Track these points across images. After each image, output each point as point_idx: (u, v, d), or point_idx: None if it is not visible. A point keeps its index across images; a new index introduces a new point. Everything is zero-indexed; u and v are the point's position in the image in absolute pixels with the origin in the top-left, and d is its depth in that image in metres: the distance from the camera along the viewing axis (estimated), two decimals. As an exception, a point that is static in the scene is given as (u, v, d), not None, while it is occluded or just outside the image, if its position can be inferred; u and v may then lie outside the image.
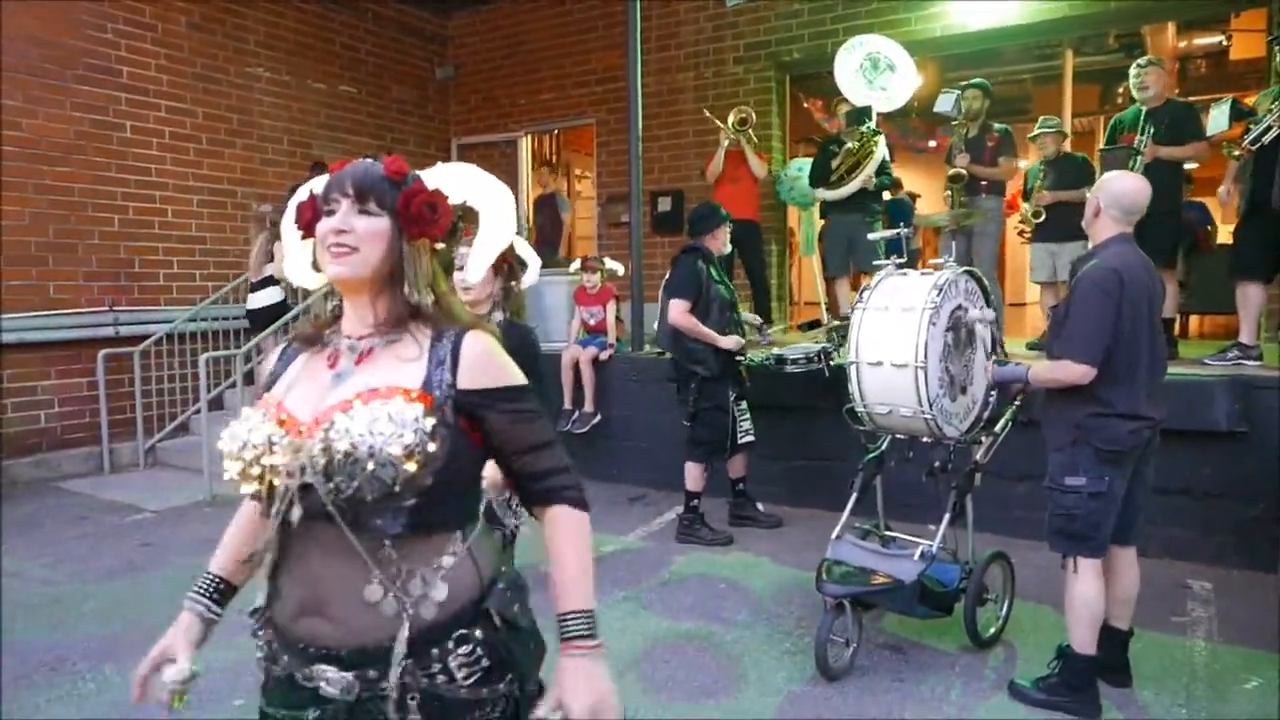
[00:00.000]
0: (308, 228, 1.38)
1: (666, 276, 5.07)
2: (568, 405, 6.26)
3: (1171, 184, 5.25)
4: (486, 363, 1.35)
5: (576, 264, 6.47)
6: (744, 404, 5.09)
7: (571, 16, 9.06)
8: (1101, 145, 6.14)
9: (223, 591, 1.50)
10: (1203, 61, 9.84)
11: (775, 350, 5.16)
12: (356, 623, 1.27)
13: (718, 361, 4.89)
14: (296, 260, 1.49)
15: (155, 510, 5.75)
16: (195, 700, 3.03)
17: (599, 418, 6.18)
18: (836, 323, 6.58)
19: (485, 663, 1.31)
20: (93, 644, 3.63)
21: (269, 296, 6.53)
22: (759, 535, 5.06)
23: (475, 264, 1.51)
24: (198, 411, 6.78)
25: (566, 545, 1.39)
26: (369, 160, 1.39)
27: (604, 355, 6.23)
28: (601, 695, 1.31)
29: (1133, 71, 5.52)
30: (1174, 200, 5.33)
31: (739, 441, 5.03)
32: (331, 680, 1.27)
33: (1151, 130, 5.27)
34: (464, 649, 1.29)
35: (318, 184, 1.41)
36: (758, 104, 7.95)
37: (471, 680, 1.30)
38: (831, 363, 4.93)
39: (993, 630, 3.57)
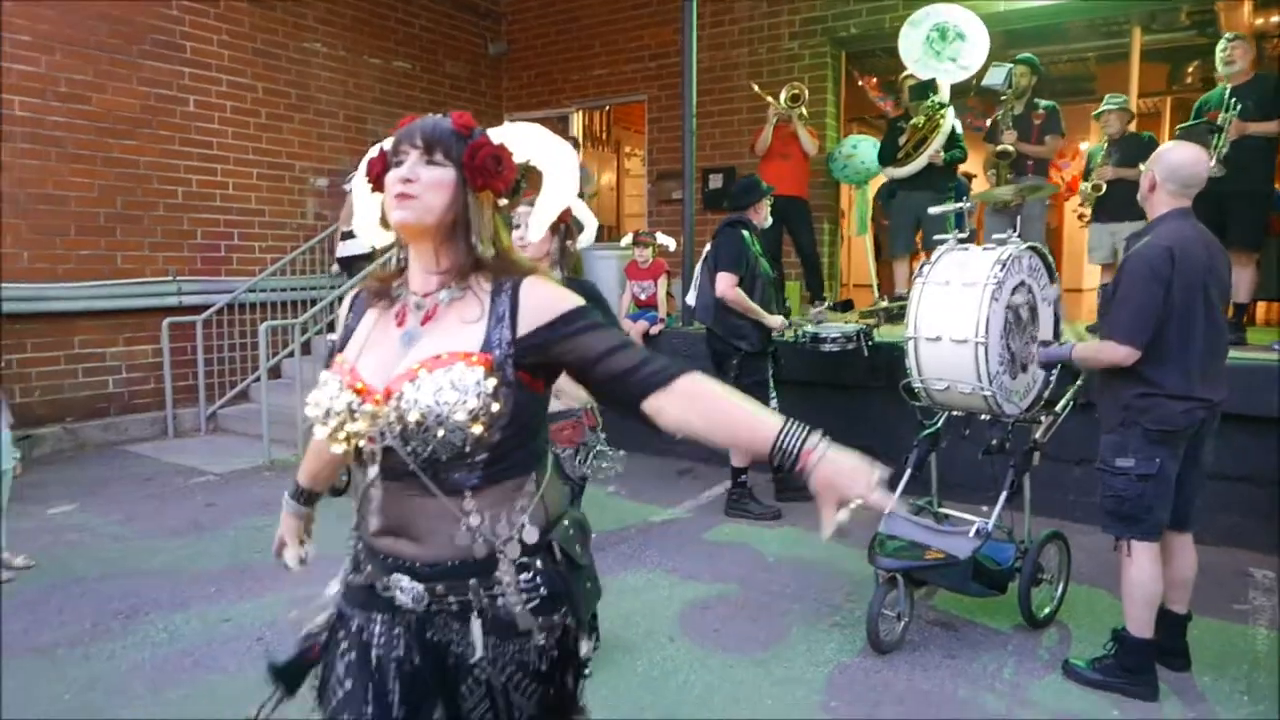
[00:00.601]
0: (377, 180, 1.43)
1: (707, 249, 5.04)
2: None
3: (1261, 163, 5.08)
4: (543, 299, 1.39)
5: (628, 239, 6.49)
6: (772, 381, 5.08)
7: (625, -8, 9.02)
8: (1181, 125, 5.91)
9: (308, 496, 1.74)
10: (1279, 40, 9.46)
11: (810, 329, 5.12)
12: (437, 548, 1.38)
13: (760, 337, 4.88)
14: (366, 216, 1.54)
15: (218, 473, 5.93)
16: (264, 650, 3.14)
17: (648, 392, 6.20)
18: (886, 304, 6.51)
19: (543, 591, 1.39)
20: (163, 595, 3.77)
21: (358, 246, 6.70)
22: (807, 510, 5.03)
23: (537, 222, 1.54)
24: (257, 379, 6.95)
25: (716, 398, 1.32)
26: (437, 115, 1.43)
27: (654, 329, 6.25)
28: (858, 465, 1.26)
29: (1220, 46, 5.34)
30: (1264, 180, 5.16)
31: None
32: (405, 589, 1.39)
33: (1239, 107, 5.09)
34: (524, 576, 1.38)
35: (388, 142, 1.45)
36: (812, 81, 7.86)
37: (529, 605, 1.38)
38: (870, 343, 4.88)
39: (1047, 610, 3.54)
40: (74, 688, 3.00)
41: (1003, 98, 6.07)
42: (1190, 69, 9.11)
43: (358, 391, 1.36)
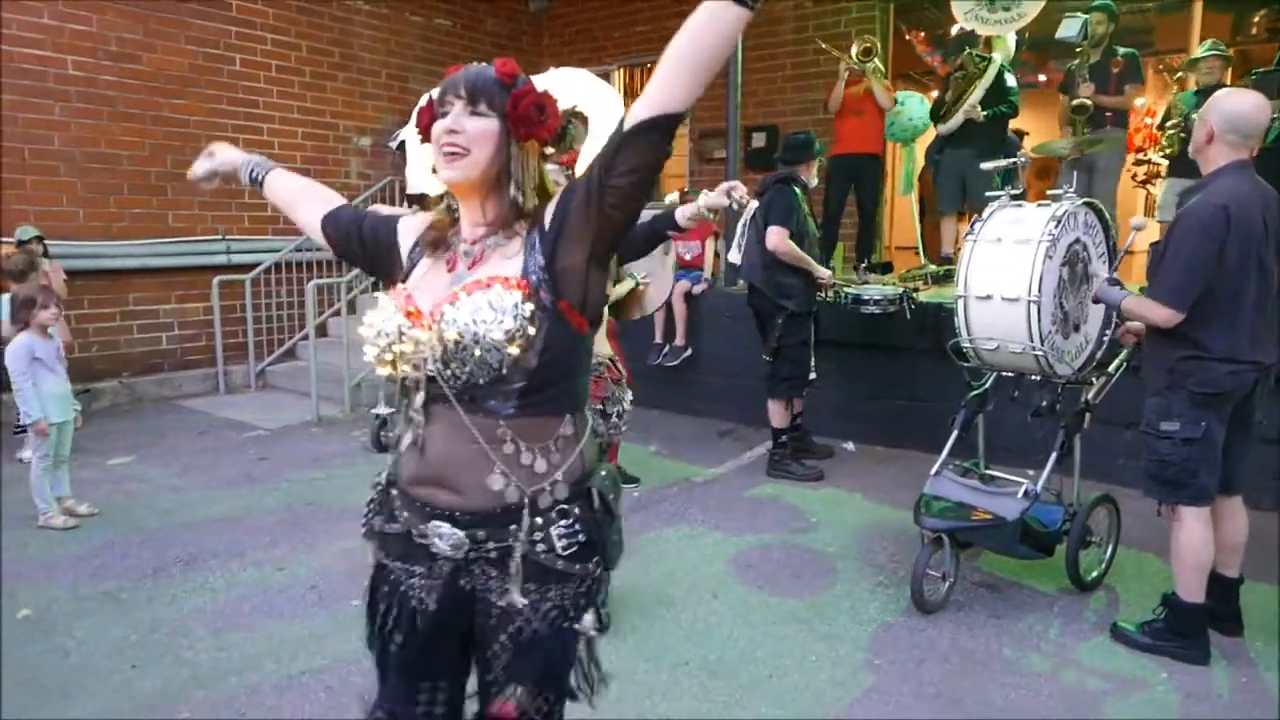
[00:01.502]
0: (425, 131, 1.44)
1: (756, 205, 4.97)
2: (658, 339, 6.31)
3: None
4: (553, 200, 1.39)
5: (673, 197, 6.44)
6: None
7: (667, -55, 8.84)
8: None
9: (258, 181, 1.75)
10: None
11: (851, 290, 5.07)
12: (476, 495, 1.39)
13: (806, 297, 4.85)
14: (418, 165, 1.56)
15: (268, 429, 6.08)
16: (317, 598, 3.21)
17: (690, 352, 6.21)
18: (933, 268, 6.38)
19: (581, 538, 1.41)
20: (221, 543, 3.90)
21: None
22: (850, 472, 5.04)
23: (584, 166, 1.52)
24: (305, 337, 7.07)
25: (673, 46, 1.27)
26: (482, 64, 1.42)
27: (697, 289, 6.23)
28: None
29: None
30: None
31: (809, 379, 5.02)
32: (444, 535, 1.40)
33: None
34: (565, 522, 1.40)
35: (436, 90, 1.46)
36: (859, 36, 7.65)
37: (568, 552, 1.40)
38: (912, 305, 4.83)
39: (1095, 574, 3.50)
40: (139, 629, 3.12)
41: (1078, 49, 5.83)
42: (1256, 19, 8.70)
43: (409, 315, 1.39)
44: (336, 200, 1.69)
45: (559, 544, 1.40)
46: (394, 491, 1.50)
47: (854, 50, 6.76)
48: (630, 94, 10.02)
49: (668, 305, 6.25)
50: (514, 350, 1.31)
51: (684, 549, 3.92)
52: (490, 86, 1.38)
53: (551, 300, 1.35)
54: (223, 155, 1.78)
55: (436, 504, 1.41)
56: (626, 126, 1.28)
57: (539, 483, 1.38)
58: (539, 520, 1.39)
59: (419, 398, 1.40)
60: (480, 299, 1.33)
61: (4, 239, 5.68)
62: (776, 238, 4.73)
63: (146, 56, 6.77)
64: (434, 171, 1.48)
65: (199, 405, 6.80)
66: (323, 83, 7.98)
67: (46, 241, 5.64)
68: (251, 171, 1.75)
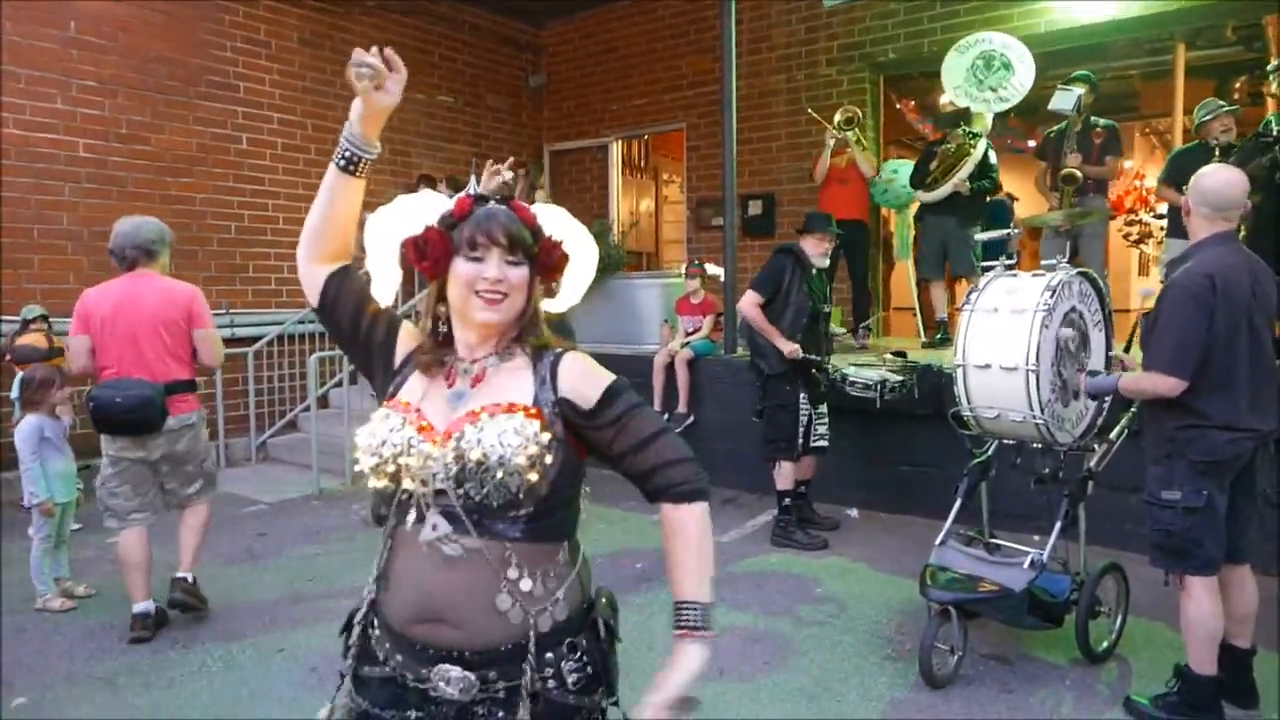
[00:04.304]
0: (435, 265, 1.41)
1: None
2: (658, 408, 6.32)
3: None
4: (584, 374, 1.44)
5: (682, 269, 6.56)
6: (823, 408, 5.07)
7: (663, 23, 9.13)
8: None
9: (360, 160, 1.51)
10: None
11: (843, 370, 5.12)
12: (482, 627, 1.35)
13: (779, 360, 4.89)
14: (385, 279, 1.54)
15: (269, 502, 6.05)
16: (317, 681, 3.14)
17: (692, 419, 6.22)
18: (915, 358, 6.44)
19: (590, 670, 1.40)
20: (220, 624, 3.85)
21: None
22: (855, 540, 5.01)
23: (568, 297, 1.57)
24: (306, 409, 7.08)
25: (678, 544, 1.42)
26: (499, 206, 1.43)
27: (686, 357, 6.25)
28: (680, 681, 1.35)
29: (1272, 64, 5.25)
30: None
31: (812, 444, 5.02)
32: (453, 680, 1.35)
33: None
34: (574, 656, 1.39)
35: (428, 203, 1.47)
36: (843, 106, 7.87)
37: (578, 686, 1.39)
38: (888, 395, 4.87)
39: (1105, 644, 3.45)
40: (136, 715, 3.07)
41: (1065, 121, 5.99)
42: (1237, 85, 8.94)
43: (420, 429, 1.38)
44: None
45: (569, 679, 1.38)
46: (374, 631, 1.44)
47: (837, 118, 6.95)
48: (628, 165, 10.27)
49: (668, 373, 6.30)
50: (533, 476, 1.33)
51: (689, 623, 3.86)
52: (524, 235, 1.42)
53: (563, 431, 1.39)
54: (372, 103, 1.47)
55: (440, 644, 1.36)
56: (651, 480, 1.44)
57: (539, 605, 1.37)
58: (549, 655, 1.37)
59: (435, 513, 1.35)
60: (506, 423, 1.34)
61: (7, 318, 5.75)
62: (744, 300, 4.99)
63: (155, 138, 6.93)
64: (430, 325, 1.47)
65: (200, 479, 6.76)
66: (328, 159, 7.86)
67: (51, 319, 5.70)
68: (345, 148, 1.48)
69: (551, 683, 1.37)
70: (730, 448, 6.09)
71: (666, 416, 6.27)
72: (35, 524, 4.10)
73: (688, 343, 6.33)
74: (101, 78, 6.60)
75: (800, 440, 4.93)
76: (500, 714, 1.36)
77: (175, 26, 7.03)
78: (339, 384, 7.46)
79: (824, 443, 5.06)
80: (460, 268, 1.40)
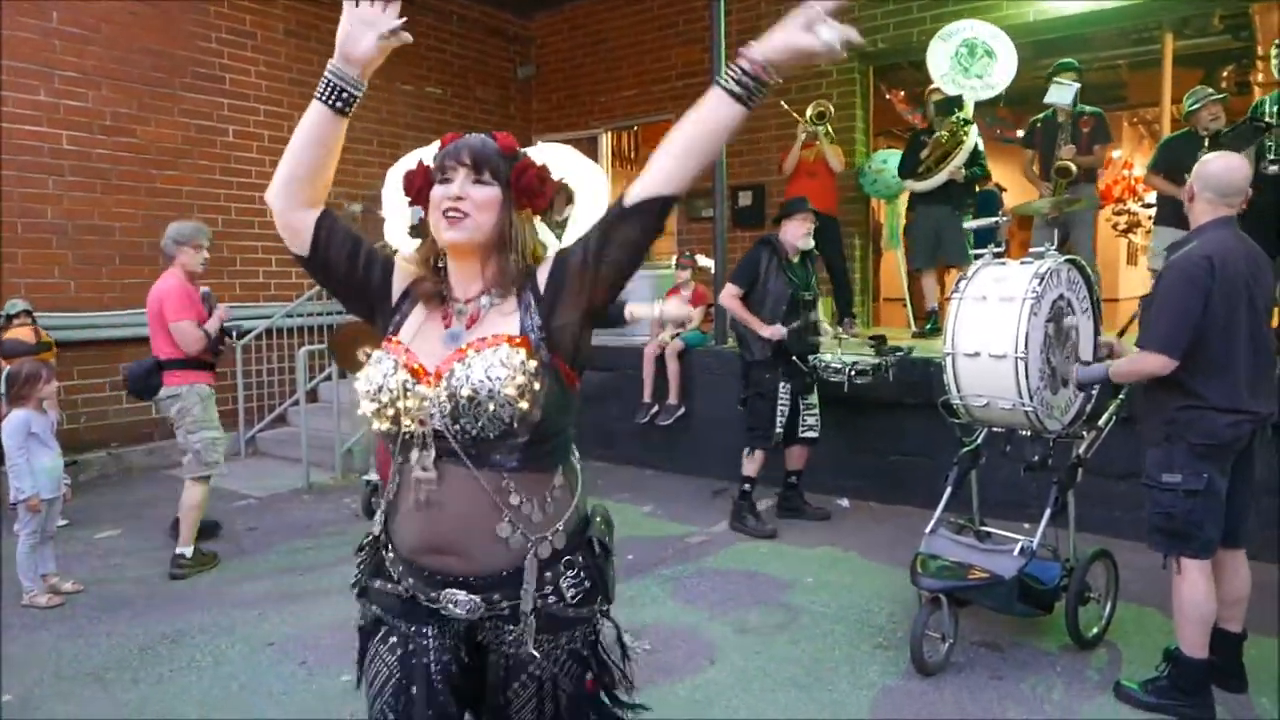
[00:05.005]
0: (418, 194, 1.50)
1: None
2: (646, 399, 6.32)
3: None
4: (544, 265, 1.49)
5: (673, 260, 6.55)
6: (812, 398, 5.07)
7: (651, 13, 9.09)
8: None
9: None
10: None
11: (823, 358, 5.06)
12: (485, 555, 1.44)
13: (762, 348, 4.91)
14: (396, 226, 1.61)
15: (258, 497, 6.02)
16: (307, 674, 3.13)
17: (682, 410, 6.22)
18: (907, 344, 6.45)
19: (587, 584, 1.51)
20: (209, 619, 3.82)
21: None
22: (846, 530, 5.01)
23: (571, 237, 1.58)
24: (295, 403, 7.05)
25: (673, 131, 1.37)
26: (482, 135, 1.49)
27: (678, 345, 6.24)
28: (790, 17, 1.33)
29: (1274, 51, 5.26)
30: None
31: (800, 435, 5.03)
32: (460, 602, 1.46)
33: None
34: (572, 572, 1.50)
35: (426, 153, 1.53)
36: (840, 96, 7.86)
37: (576, 599, 1.50)
38: (857, 380, 4.81)
39: (1095, 630, 3.46)
40: (125, 711, 3.05)
41: (1059, 112, 5.97)
42: (1225, 74, 8.97)
43: (413, 372, 1.42)
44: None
45: (568, 594, 1.48)
46: (388, 554, 1.53)
47: (809, 112, 6.96)
48: (618, 156, 10.23)
49: (658, 364, 6.28)
50: (524, 405, 1.36)
51: (680, 613, 3.86)
52: (494, 157, 1.46)
53: (550, 357, 1.42)
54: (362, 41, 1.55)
55: (447, 571, 1.45)
56: (626, 203, 1.38)
57: (540, 532, 1.45)
58: (548, 574, 1.46)
59: (427, 455, 1.42)
60: (491, 356, 1.38)
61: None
62: (724, 294, 5.11)
63: (140, 130, 6.86)
64: (411, 231, 1.56)
65: (188, 474, 6.72)
66: (314, 151, 8.05)
67: (36, 313, 5.65)
68: (340, 89, 1.51)
69: (552, 598, 1.47)
70: (721, 439, 6.09)
71: (656, 409, 6.27)
72: (21, 520, 4.05)
73: (678, 334, 6.31)
74: (85, 69, 6.53)
75: (778, 429, 4.94)
76: (508, 628, 1.48)
77: (159, 17, 6.95)
78: (328, 378, 7.41)
79: (814, 434, 5.07)
80: (433, 192, 1.46)
